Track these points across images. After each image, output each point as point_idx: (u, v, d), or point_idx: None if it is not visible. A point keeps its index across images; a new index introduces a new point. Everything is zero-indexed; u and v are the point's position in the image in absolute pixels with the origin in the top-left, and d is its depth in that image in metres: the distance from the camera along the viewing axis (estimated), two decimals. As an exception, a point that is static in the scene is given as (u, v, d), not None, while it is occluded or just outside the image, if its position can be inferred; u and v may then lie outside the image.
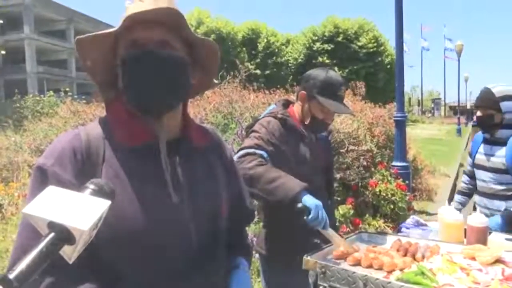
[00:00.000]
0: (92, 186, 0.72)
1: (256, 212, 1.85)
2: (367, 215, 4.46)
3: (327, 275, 1.37)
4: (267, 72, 28.13)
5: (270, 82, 17.98)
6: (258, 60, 28.72)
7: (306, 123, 1.89)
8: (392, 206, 4.60)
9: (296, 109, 1.94)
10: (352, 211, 3.82)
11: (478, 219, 1.62)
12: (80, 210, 0.65)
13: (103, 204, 0.68)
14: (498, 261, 1.36)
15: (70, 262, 0.67)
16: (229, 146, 1.25)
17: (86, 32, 0.97)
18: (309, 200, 1.60)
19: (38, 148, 5.84)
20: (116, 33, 0.93)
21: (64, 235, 0.62)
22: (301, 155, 1.86)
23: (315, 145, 1.95)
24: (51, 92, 15.63)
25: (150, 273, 0.90)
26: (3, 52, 32.03)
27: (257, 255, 2.06)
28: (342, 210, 3.78)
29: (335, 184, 4.32)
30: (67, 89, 14.28)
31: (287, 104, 2.00)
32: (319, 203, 1.61)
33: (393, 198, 4.60)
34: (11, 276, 0.55)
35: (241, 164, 1.64)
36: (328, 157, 2.07)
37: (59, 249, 0.63)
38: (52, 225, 0.62)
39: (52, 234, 0.62)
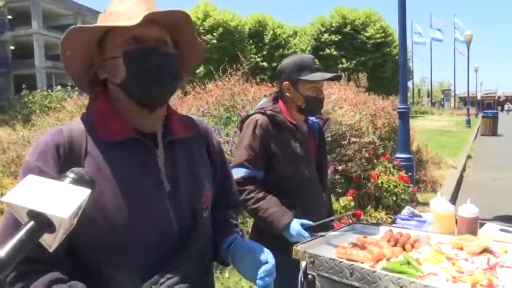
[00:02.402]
0: (72, 175, 0.72)
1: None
2: (369, 207, 4.47)
3: (316, 264, 1.40)
4: (274, 64, 28.00)
5: (277, 74, 17.87)
6: (264, 52, 28.62)
7: (301, 107, 1.92)
8: (394, 198, 4.60)
9: (284, 104, 1.97)
10: (353, 203, 3.84)
11: (469, 210, 1.64)
12: (60, 199, 0.64)
13: (83, 193, 0.68)
14: (485, 250, 1.38)
15: (51, 250, 0.68)
16: (216, 136, 1.28)
17: None
18: (291, 234, 1.77)
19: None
20: (109, 28, 0.96)
21: (44, 224, 0.62)
22: (291, 151, 1.89)
23: (307, 138, 1.98)
24: (59, 87, 15.75)
25: (132, 262, 0.93)
26: (12, 47, 32.34)
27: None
28: (343, 202, 3.80)
29: (337, 176, 4.34)
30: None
31: (277, 98, 2.02)
32: (300, 232, 1.75)
33: (395, 189, 4.60)
34: None
35: (241, 195, 1.79)
36: (320, 149, 2.09)
37: (39, 237, 0.63)
38: (31, 214, 0.62)
39: (31, 223, 0.61)
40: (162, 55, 0.97)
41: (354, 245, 1.50)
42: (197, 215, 1.04)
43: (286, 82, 1.92)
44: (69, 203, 0.65)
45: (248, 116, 1.98)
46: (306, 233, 1.74)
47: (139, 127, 1.00)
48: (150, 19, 0.94)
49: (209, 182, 1.12)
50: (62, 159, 0.92)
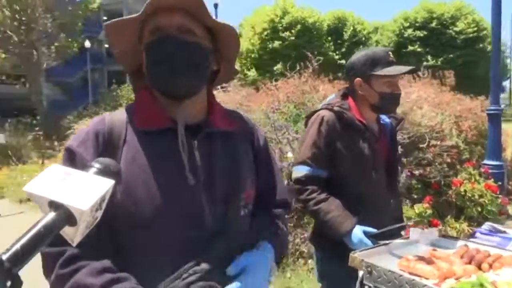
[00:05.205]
0: (97, 165, 0.69)
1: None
2: (448, 217, 4.10)
3: (373, 275, 1.29)
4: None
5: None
6: (343, 50, 27.84)
7: (375, 104, 1.78)
8: (479, 209, 4.16)
9: (355, 101, 1.84)
10: (429, 211, 3.54)
11: None
12: (81, 190, 0.62)
13: (106, 184, 0.65)
14: None
15: (73, 244, 0.65)
16: (263, 134, 1.22)
17: None
18: (353, 241, 1.66)
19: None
20: (141, 19, 0.96)
21: (64, 215, 0.59)
22: (358, 151, 1.77)
23: (376, 139, 1.84)
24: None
25: (161, 252, 0.92)
26: (106, 45, 35.44)
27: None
28: (418, 209, 3.51)
29: (413, 181, 4.05)
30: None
31: (346, 94, 1.90)
32: (362, 239, 1.64)
33: (480, 200, 4.16)
34: (4, 257, 0.52)
35: (301, 195, 1.76)
36: (391, 152, 1.93)
37: (59, 229, 0.60)
38: (52, 205, 0.59)
39: (51, 214, 0.59)
40: (179, 43, 0.94)
41: (420, 258, 1.36)
42: (231, 212, 1.00)
43: (358, 79, 1.79)
44: (91, 194, 0.62)
45: (314, 112, 1.89)
46: (368, 242, 1.61)
47: (175, 118, 0.99)
48: (174, 7, 0.93)
49: (252, 179, 1.08)
50: (101, 146, 0.94)
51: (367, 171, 1.77)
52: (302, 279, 3.08)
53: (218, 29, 1.01)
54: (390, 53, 1.80)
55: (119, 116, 1.01)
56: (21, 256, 0.53)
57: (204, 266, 0.91)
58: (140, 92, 1.05)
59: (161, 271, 0.90)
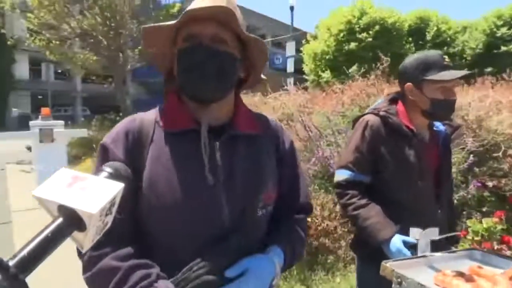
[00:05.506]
0: (107, 169, 0.69)
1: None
2: (525, 235, 3.69)
3: (403, 286, 1.23)
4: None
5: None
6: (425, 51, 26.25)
7: (427, 110, 1.70)
8: None
9: (405, 106, 1.76)
10: (500, 226, 3.21)
11: None
12: (91, 194, 0.60)
13: (116, 187, 0.64)
14: None
15: (83, 250, 0.64)
16: (290, 137, 1.24)
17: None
18: (391, 250, 1.61)
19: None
20: (175, 27, 1.03)
21: (73, 220, 0.58)
22: (403, 158, 1.70)
23: (426, 147, 1.74)
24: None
25: (179, 244, 0.99)
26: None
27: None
28: (487, 223, 3.21)
29: (485, 193, 3.72)
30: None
31: (396, 99, 1.83)
32: (400, 249, 1.58)
33: None
34: (11, 263, 0.51)
35: (341, 199, 1.76)
36: (443, 161, 1.81)
37: (68, 234, 0.59)
38: (61, 209, 0.58)
39: (59, 219, 0.58)
40: (210, 51, 0.99)
41: (459, 273, 1.27)
42: (249, 212, 1.03)
43: (409, 84, 1.71)
44: (100, 198, 0.60)
45: (361, 116, 1.86)
46: (407, 252, 1.54)
47: (200, 120, 1.04)
48: (207, 17, 0.97)
49: (274, 181, 1.10)
50: (131, 144, 1.02)
51: (412, 179, 1.69)
52: (352, 284, 3.00)
53: (248, 40, 1.05)
54: (446, 57, 1.70)
55: (150, 116, 1.08)
56: (28, 263, 0.52)
57: (212, 262, 0.96)
58: (169, 94, 1.12)
59: (179, 262, 0.96)
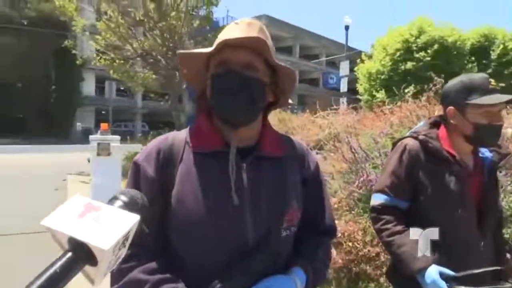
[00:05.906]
0: (123, 198, 0.66)
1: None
2: None
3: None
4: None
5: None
6: (490, 71, 24.74)
7: (470, 136, 1.62)
8: None
9: (447, 131, 1.69)
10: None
11: None
12: (104, 226, 0.57)
13: (131, 220, 0.60)
14: None
15: (94, 285, 0.61)
16: (315, 159, 1.24)
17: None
18: (426, 281, 1.50)
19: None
20: (209, 53, 1.07)
21: (83, 254, 0.55)
22: (442, 184, 1.61)
23: (469, 174, 1.64)
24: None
25: (205, 264, 1.01)
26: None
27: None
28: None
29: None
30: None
31: (438, 123, 1.75)
32: (436, 281, 1.47)
33: None
34: None
35: (376, 224, 1.70)
36: (488, 189, 1.69)
37: (78, 270, 0.56)
38: (72, 241, 0.56)
39: (69, 254, 0.55)
40: (241, 78, 1.02)
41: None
42: (273, 232, 1.04)
43: (451, 108, 1.65)
44: (113, 232, 0.57)
45: (400, 139, 1.80)
46: (443, 284, 1.45)
47: (229, 141, 1.07)
48: (240, 45, 1.01)
49: (298, 203, 1.11)
50: (162, 162, 1.07)
51: (453, 207, 1.59)
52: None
53: (278, 67, 1.09)
54: (492, 80, 1.61)
55: (181, 135, 1.13)
56: None
57: (234, 282, 0.97)
58: (199, 114, 1.17)
59: (204, 279, 0.98)
